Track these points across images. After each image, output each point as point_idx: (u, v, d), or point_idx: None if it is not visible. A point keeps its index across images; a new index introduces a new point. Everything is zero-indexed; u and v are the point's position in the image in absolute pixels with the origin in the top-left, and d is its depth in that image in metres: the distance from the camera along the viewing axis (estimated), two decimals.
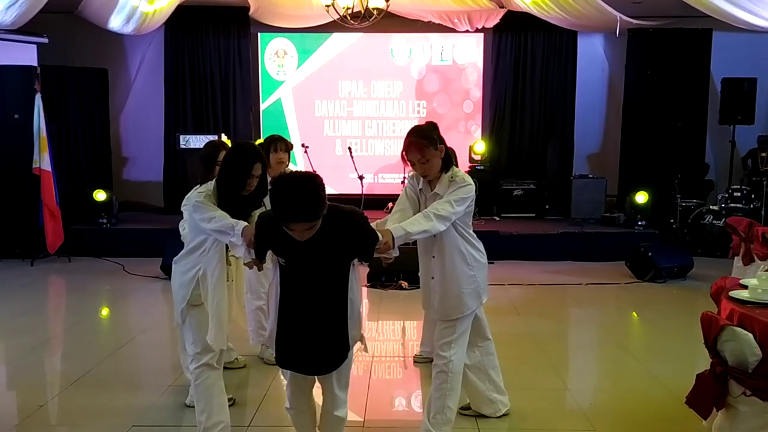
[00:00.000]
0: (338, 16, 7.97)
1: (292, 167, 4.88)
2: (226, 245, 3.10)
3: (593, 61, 10.22)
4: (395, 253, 2.90)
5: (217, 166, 3.42)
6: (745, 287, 2.85)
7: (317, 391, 2.96)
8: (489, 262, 3.45)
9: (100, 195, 8.65)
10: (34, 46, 8.79)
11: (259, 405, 3.93)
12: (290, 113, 10.27)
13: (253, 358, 4.63)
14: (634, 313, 6.31)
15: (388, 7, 7.99)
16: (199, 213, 3.03)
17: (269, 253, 2.85)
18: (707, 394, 2.64)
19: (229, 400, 3.54)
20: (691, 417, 2.80)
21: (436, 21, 9.62)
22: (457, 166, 3.31)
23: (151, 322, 5.83)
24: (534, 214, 9.63)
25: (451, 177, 3.19)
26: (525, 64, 10.15)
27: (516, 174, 10.03)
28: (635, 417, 3.78)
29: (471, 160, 9.86)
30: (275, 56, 10.23)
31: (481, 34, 10.10)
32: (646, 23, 9.00)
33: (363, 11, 7.80)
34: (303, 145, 8.57)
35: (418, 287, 3.48)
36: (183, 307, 3.24)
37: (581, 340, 5.69)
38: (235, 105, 10.13)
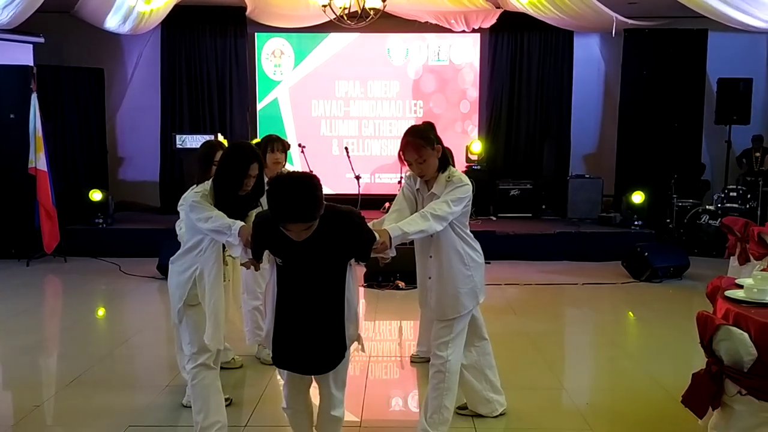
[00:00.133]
0: (335, 16, 7.96)
1: (288, 167, 4.88)
2: (223, 245, 3.10)
3: (589, 62, 10.24)
4: (392, 253, 2.90)
5: (213, 166, 3.42)
6: (741, 287, 2.86)
7: (314, 391, 2.96)
8: (486, 262, 3.46)
9: (96, 195, 8.64)
10: (30, 45, 8.78)
11: (256, 405, 3.92)
12: (287, 113, 10.27)
13: (249, 358, 4.63)
14: (630, 312, 6.33)
15: (384, 7, 7.99)
16: (196, 213, 3.03)
17: (266, 253, 2.85)
18: (703, 394, 2.65)
19: (226, 400, 3.54)
20: (687, 416, 2.81)
21: (433, 21, 9.62)
22: (453, 166, 3.31)
23: (147, 322, 5.82)
24: (530, 214, 9.64)
25: (448, 177, 3.19)
26: (521, 64, 10.16)
27: (513, 174, 10.04)
28: (631, 416, 3.79)
29: (468, 160, 9.87)
30: (272, 56, 10.23)
31: (478, 35, 10.10)
32: (641, 23, 9.02)
33: (360, 11, 7.79)
34: (300, 145, 8.57)
35: (415, 287, 3.48)
36: (180, 307, 3.23)
37: (578, 340, 5.70)
38: (232, 105, 10.12)
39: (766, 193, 8.72)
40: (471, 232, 3.35)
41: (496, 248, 7.70)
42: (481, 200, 9.14)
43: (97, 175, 9.47)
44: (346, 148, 9.16)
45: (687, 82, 9.49)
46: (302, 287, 2.71)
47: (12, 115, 8.06)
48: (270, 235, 2.65)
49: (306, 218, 2.48)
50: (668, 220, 8.82)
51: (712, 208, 8.44)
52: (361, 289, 6.67)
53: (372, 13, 7.88)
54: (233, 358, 4.52)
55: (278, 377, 3.88)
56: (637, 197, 8.68)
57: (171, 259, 3.35)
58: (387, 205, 8.38)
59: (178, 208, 3.96)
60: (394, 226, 2.94)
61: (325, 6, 7.72)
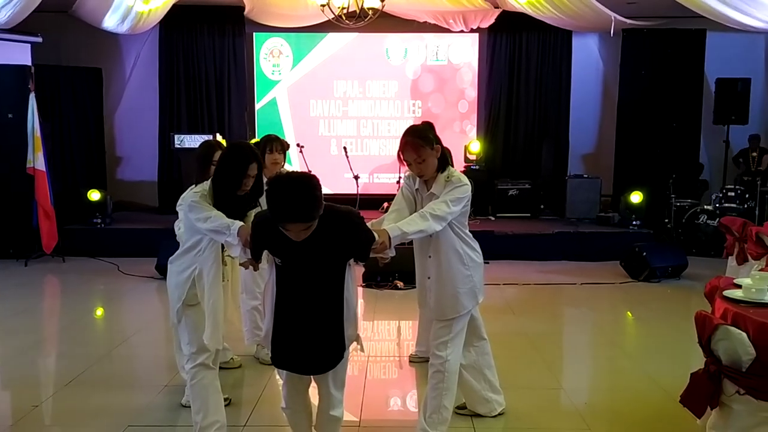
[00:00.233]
0: (333, 16, 7.97)
1: (287, 167, 4.89)
2: (222, 245, 3.10)
3: (588, 61, 10.25)
4: (391, 252, 2.90)
5: (212, 166, 3.42)
6: (739, 287, 2.87)
7: (313, 391, 2.96)
8: (484, 262, 3.46)
9: (94, 195, 8.63)
10: (28, 45, 8.76)
11: (255, 405, 3.93)
12: (285, 113, 10.26)
13: (248, 358, 4.63)
14: (628, 312, 6.33)
15: (383, 7, 8.00)
16: (195, 213, 3.03)
17: (265, 253, 2.85)
18: (701, 393, 2.65)
19: (225, 400, 3.54)
20: (686, 416, 2.81)
21: (432, 21, 9.62)
22: (452, 166, 3.32)
23: (146, 322, 5.81)
24: (529, 214, 9.65)
25: (448, 177, 3.19)
26: (520, 64, 10.16)
27: (511, 174, 10.04)
28: (630, 416, 3.80)
29: (466, 159, 9.88)
30: (270, 56, 10.22)
31: (476, 34, 10.11)
32: (640, 23, 9.03)
33: (358, 11, 7.80)
34: (298, 145, 8.56)
35: (414, 287, 3.48)
36: (179, 307, 3.23)
37: (576, 340, 5.71)
38: (230, 105, 10.11)
39: (764, 193, 8.74)
40: (470, 232, 3.35)
41: (494, 248, 7.71)
42: (480, 200, 9.14)
43: (95, 174, 9.45)
44: (345, 148, 9.15)
45: (685, 82, 9.50)
46: (301, 287, 2.71)
47: (10, 115, 8.04)
48: (269, 235, 2.65)
49: (305, 218, 2.48)
50: (666, 220, 8.84)
51: (710, 207, 8.46)
52: (360, 289, 6.67)
53: (370, 12, 7.88)
54: (232, 358, 4.52)
55: (277, 377, 3.88)
56: (636, 197, 8.69)
57: (170, 259, 3.34)
58: (385, 204, 8.39)
59: (177, 208, 3.95)
60: (394, 226, 2.95)
61: (323, 6, 7.73)
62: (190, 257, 3.21)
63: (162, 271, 6.55)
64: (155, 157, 9.94)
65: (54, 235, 7.89)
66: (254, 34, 10.13)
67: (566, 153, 10.10)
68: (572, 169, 10.05)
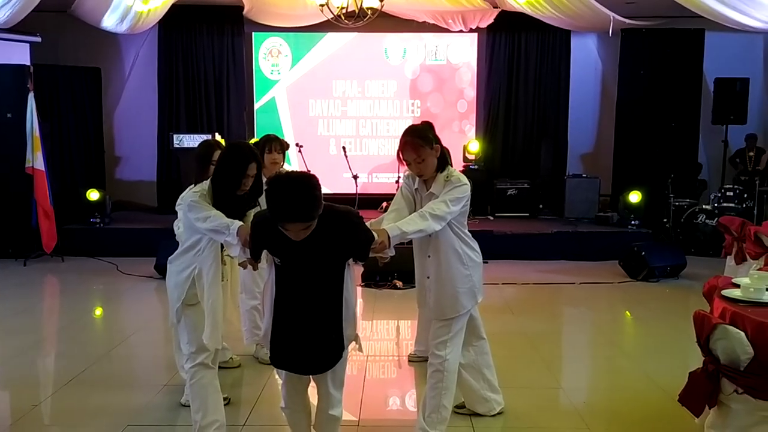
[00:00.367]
0: (332, 16, 7.97)
1: (286, 167, 4.89)
2: (222, 245, 3.10)
3: (587, 61, 10.26)
4: (391, 252, 2.91)
5: (211, 165, 3.43)
6: (738, 286, 2.87)
7: (312, 391, 2.97)
8: (483, 262, 3.46)
9: (93, 194, 8.63)
10: (27, 44, 8.77)
11: (254, 404, 3.93)
12: (284, 113, 10.26)
13: (247, 358, 4.63)
14: (627, 312, 6.34)
15: (382, 7, 8.00)
16: (194, 212, 3.04)
17: (264, 253, 2.86)
18: (699, 392, 2.66)
19: (224, 399, 3.55)
20: (684, 415, 2.82)
21: (430, 21, 9.63)
22: (451, 166, 3.32)
23: (145, 321, 5.81)
24: (528, 214, 9.66)
25: (447, 177, 3.20)
26: (519, 63, 10.17)
27: (510, 173, 10.05)
28: (628, 415, 3.80)
29: (465, 159, 9.88)
30: (269, 55, 10.22)
31: (475, 34, 10.11)
32: (639, 23, 9.04)
33: (357, 11, 7.80)
34: (297, 145, 8.56)
35: (413, 287, 3.49)
36: (178, 307, 3.23)
37: (575, 339, 5.71)
38: (229, 104, 10.11)
39: (762, 192, 8.76)
40: (469, 231, 3.36)
41: (493, 248, 7.71)
42: (479, 200, 9.14)
43: (94, 174, 9.45)
44: (344, 148, 9.16)
45: (684, 81, 9.50)
46: (300, 287, 2.71)
47: (9, 115, 8.04)
48: (268, 235, 2.66)
49: (304, 218, 2.49)
50: (665, 220, 8.84)
51: (708, 207, 8.47)
52: (359, 289, 6.68)
53: (369, 12, 7.89)
54: (231, 358, 4.53)
55: (276, 377, 3.89)
56: (634, 197, 8.70)
57: (169, 258, 3.35)
58: (384, 204, 8.39)
59: (176, 208, 3.96)
60: (393, 225, 2.95)
61: (322, 5, 7.74)
62: (189, 257, 3.21)
63: (161, 270, 6.55)
64: (154, 156, 9.94)
65: (54, 235, 7.89)
66: (253, 33, 10.13)
67: (565, 153, 10.11)
68: (571, 168, 10.06)
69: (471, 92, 10.27)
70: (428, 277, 3.29)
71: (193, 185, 3.30)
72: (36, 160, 7.75)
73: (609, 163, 9.83)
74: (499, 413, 3.73)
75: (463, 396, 3.72)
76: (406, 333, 5.51)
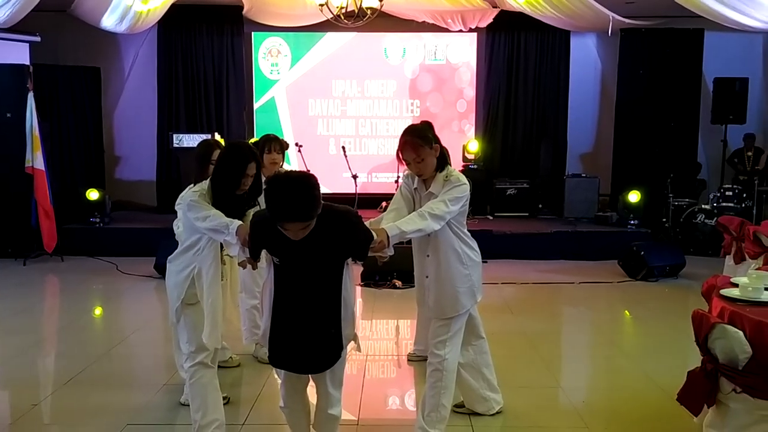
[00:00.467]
0: (332, 16, 7.98)
1: (286, 167, 4.89)
2: (221, 244, 3.11)
3: (586, 61, 10.27)
4: (390, 251, 2.91)
5: (211, 165, 3.44)
6: (736, 285, 2.88)
7: (311, 390, 2.97)
8: (483, 261, 3.47)
9: (92, 194, 8.63)
10: (27, 44, 8.77)
11: (254, 403, 3.93)
12: (284, 112, 10.27)
13: (247, 357, 4.64)
14: (626, 311, 6.35)
15: (381, 6, 8.01)
16: (194, 212, 3.04)
17: (264, 252, 2.86)
18: (698, 392, 2.67)
19: (224, 398, 3.55)
20: (683, 414, 2.82)
21: (430, 21, 9.64)
22: (450, 166, 3.33)
23: (144, 321, 5.82)
24: (527, 214, 9.66)
25: (446, 176, 3.20)
26: (518, 63, 10.18)
27: (509, 173, 10.06)
28: (627, 414, 3.81)
29: (464, 159, 9.89)
30: (269, 55, 10.23)
31: (475, 34, 10.12)
32: (638, 23, 9.04)
33: (357, 11, 7.81)
34: (297, 144, 8.57)
35: (412, 286, 3.50)
36: (178, 306, 3.24)
37: (574, 339, 5.72)
38: (229, 104, 10.12)
39: (761, 192, 8.77)
40: (468, 231, 3.36)
41: (492, 247, 7.73)
42: (478, 199, 9.15)
43: (93, 174, 9.46)
44: (343, 148, 9.16)
45: (683, 81, 9.51)
46: (299, 286, 2.72)
47: (8, 114, 8.04)
48: (267, 234, 2.66)
49: (303, 217, 2.49)
50: (664, 219, 8.85)
51: (708, 207, 8.47)
52: (358, 288, 6.68)
53: (369, 12, 7.90)
54: (231, 357, 4.53)
55: (276, 376, 3.89)
56: (634, 196, 8.71)
57: (169, 258, 3.35)
58: (384, 204, 8.40)
59: (176, 207, 3.97)
60: (392, 225, 2.96)
61: (322, 5, 7.74)
62: (188, 256, 3.21)
63: (161, 270, 6.55)
64: (154, 156, 9.95)
65: (54, 235, 7.90)
66: (253, 33, 10.14)
67: (564, 152, 10.12)
68: (570, 168, 10.07)
69: (470, 92, 10.28)
70: (427, 277, 3.30)
71: (192, 185, 3.30)
72: (36, 159, 7.76)
73: (608, 163, 9.84)
74: (498, 412, 3.73)
75: (462, 395, 3.72)
76: (406, 332, 5.52)
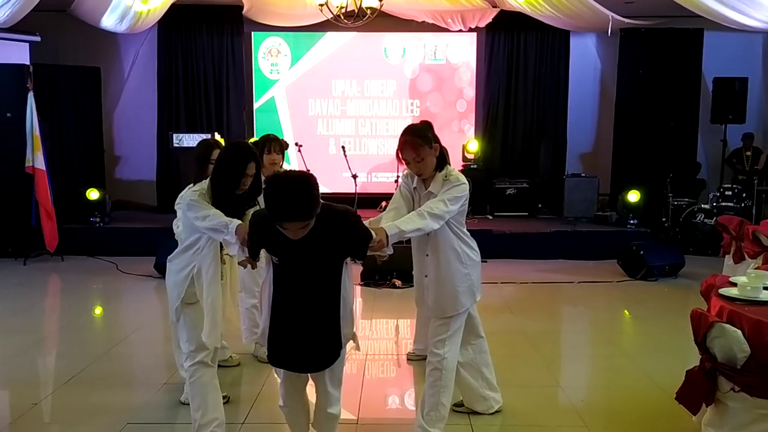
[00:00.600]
0: (332, 16, 7.98)
1: (286, 166, 4.89)
2: (221, 243, 3.11)
3: (586, 61, 10.27)
4: (389, 251, 2.92)
5: (210, 164, 3.44)
6: (735, 285, 2.89)
7: (310, 389, 2.98)
8: (482, 261, 3.47)
9: (92, 194, 8.63)
10: (27, 44, 8.78)
11: (253, 403, 3.94)
12: (284, 112, 10.27)
13: (247, 357, 4.64)
14: (625, 311, 6.35)
15: (381, 6, 8.01)
16: (194, 211, 3.05)
17: (263, 252, 2.87)
18: (697, 390, 2.68)
19: (224, 397, 3.56)
20: (682, 413, 2.83)
21: (430, 20, 9.64)
22: (449, 165, 3.33)
23: (144, 320, 5.83)
24: (527, 213, 9.66)
25: (446, 176, 3.21)
26: (518, 63, 10.18)
27: (509, 173, 10.06)
28: (626, 413, 3.81)
29: (464, 159, 9.89)
30: (269, 55, 10.23)
31: (474, 34, 10.12)
32: (638, 23, 9.05)
33: (356, 10, 7.81)
34: (296, 144, 8.58)
35: (412, 286, 3.51)
36: (177, 306, 3.24)
37: (573, 338, 5.73)
38: (229, 104, 10.12)
39: (761, 192, 8.77)
40: (468, 230, 3.37)
41: (492, 247, 7.74)
42: (478, 199, 9.16)
43: (93, 174, 9.46)
44: (343, 147, 9.16)
45: (683, 81, 9.52)
46: (298, 285, 2.72)
47: (8, 114, 8.05)
48: (266, 234, 2.67)
49: (302, 217, 2.50)
50: (664, 219, 8.85)
51: (707, 206, 8.48)
52: (358, 288, 6.69)
53: (369, 12, 7.90)
54: (231, 356, 4.54)
55: (275, 375, 3.89)
56: (633, 196, 8.71)
57: (168, 257, 3.36)
58: (384, 203, 8.40)
59: (176, 207, 3.97)
60: (391, 224, 2.97)
61: (322, 5, 7.74)
62: (188, 256, 3.22)
63: (161, 269, 6.56)
64: (154, 156, 9.95)
65: (56, 234, 7.90)
66: (253, 33, 10.14)
67: (564, 152, 10.12)
68: (570, 168, 10.07)
69: (470, 92, 10.28)
70: (426, 276, 3.30)
71: (192, 184, 3.31)
72: (36, 159, 7.76)
73: (608, 163, 9.85)
74: (497, 411, 3.74)
75: (461, 394, 3.73)
76: (405, 332, 5.52)
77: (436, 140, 3.21)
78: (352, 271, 2.88)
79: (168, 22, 9.55)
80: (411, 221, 3.02)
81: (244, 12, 9.55)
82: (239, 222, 2.94)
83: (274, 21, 9.70)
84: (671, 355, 4.84)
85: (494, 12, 9.58)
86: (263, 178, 3.11)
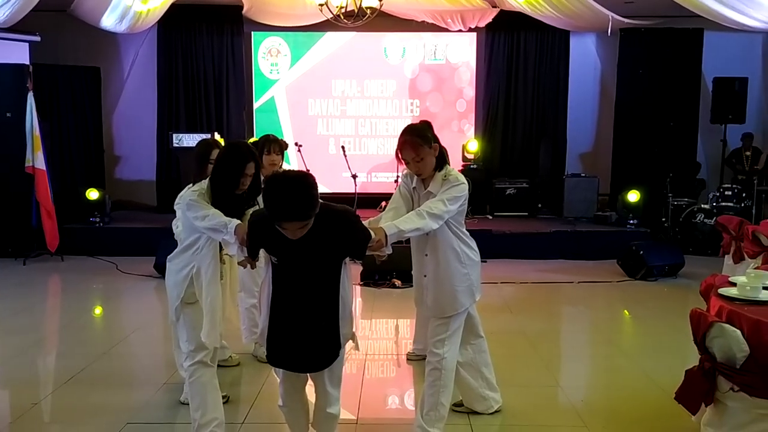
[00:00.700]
0: (332, 15, 7.99)
1: (285, 166, 4.89)
2: (220, 243, 3.11)
3: (586, 61, 10.27)
4: (388, 250, 2.92)
5: (209, 164, 3.44)
6: (734, 284, 2.89)
7: (310, 389, 2.98)
8: (482, 261, 3.48)
9: (92, 194, 8.64)
10: (27, 44, 8.78)
11: (253, 402, 3.94)
12: (283, 112, 10.27)
13: (246, 356, 4.64)
14: (625, 311, 6.35)
15: (381, 6, 8.01)
16: (193, 211, 3.05)
17: (262, 252, 2.87)
18: (696, 390, 2.68)
19: (223, 397, 3.56)
20: (681, 413, 2.83)
21: (430, 20, 9.64)
22: (449, 165, 3.33)
23: (144, 320, 5.83)
24: (526, 213, 9.66)
25: (445, 176, 3.21)
26: (518, 63, 10.18)
27: (509, 173, 10.06)
28: (626, 413, 3.81)
29: (464, 159, 9.89)
30: (268, 55, 10.23)
31: (474, 34, 10.12)
32: (637, 23, 9.05)
33: (356, 10, 7.81)
34: (296, 144, 8.58)
35: (411, 286, 3.50)
36: (177, 305, 3.25)
37: (573, 338, 5.73)
38: (228, 104, 10.12)
39: (760, 192, 8.77)
40: (467, 230, 3.37)
41: (492, 247, 7.74)
42: (477, 199, 9.16)
43: (93, 174, 9.46)
44: (343, 147, 9.17)
45: (683, 81, 9.52)
46: (297, 285, 2.72)
47: (8, 114, 8.04)
48: (265, 234, 2.67)
49: (301, 217, 2.50)
50: (663, 219, 8.85)
51: (707, 206, 8.48)
52: (358, 288, 6.69)
53: (369, 12, 7.90)
54: (230, 356, 4.54)
55: (275, 375, 3.89)
56: (633, 196, 8.71)
57: (168, 257, 3.36)
58: (384, 203, 8.38)
59: (175, 207, 3.98)
60: (390, 224, 2.97)
61: (321, 5, 7.75)
62: (188, 255, 3.22)
63: (160, 269, 6.56)
64: (153, 156, 9.95)
65: (57, 234, 7.90)
66: (252, 33, 10.15)
67: (564, 152, 10.12)
68: (570, 168, 10.07)
69: (470, 92, 10.28)
70: (425, 276, 3.30)
71: (191, 184, 3.31)
72: (37, 159, 7.76)
73: (608, 163, 9.85)
74: (497, 411, 3.74)
75: (461, 394, 3.73)
76: (405, 332, 5.53)
77: (436, 140, 3.21)
78: (352, 271, 2.88)
79: (168, 22, 9.55)
80: (410, 221, 3.02)
81: (244, 12, 9.55)
82: (238, 222, 2.94)
83: (274, 21, 9.70)
84: (671, 355, 4.84)
85: (494, 12, 9.58)
86: (262, 178, 3.12)
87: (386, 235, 2.88)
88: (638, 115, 9.53)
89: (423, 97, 10.25)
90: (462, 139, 10.07)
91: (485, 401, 3.72)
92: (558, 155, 10.06)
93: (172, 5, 8.96)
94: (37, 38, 8.85)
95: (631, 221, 8.67)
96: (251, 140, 5.66)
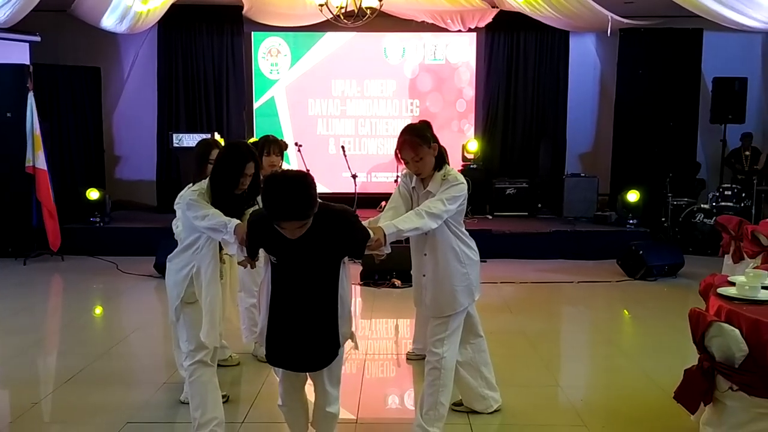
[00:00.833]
0: (332, 16, 7.99)
1: (285, 166, 4.89)
2: (220, 243, 3.12)
3: (585, 61, 10.27)
4: (387, 250, 2.93)
5: (209, 164, 3.45)
6: (733, 284, 2.89)
7: (309, 388, 2.98)
8: (482, 261, 3.48)
9: (93, 194, 8.64)
10: (27, 44, 8.78)
11: (253, 402, 3.95)
12: (283, 112, 10.28)
13: (246, 356, 4.65)
14: (625, 310, 6.36)
15: (381, 6, 8.02)
16: (193, 211, 3.05)
17: (261, 251, 2.88)
18: (695, 390, 2.68)
19: (223, 397, 3.57)
20: (680, 412, 2.84)
21: (429, 21, 9.65)
22: (448, 165, 3.34)
23: (144, 320, 5.83)
24: (526, 213, 9.66)
25: (444, 175, 3.22)
26: (517, 63, 10.19)
27: (508, 173, 10.06)
28: (625, 413, 3.82)
29: (464, 159, 9.89)
30: (268, 55, 10.24)
31: (474, 34, 10.13)
32: (637, 23, 9.05)
33: (356, 10, 7.82)
34: (296, 144, 8.59)
35: (411, 285, 3.50)
36: (177, 305, 3.25)
37: (573, 338, 5.73)
38: (228, 104, 10.13)
39: (760, 191, 8.78)
40: (466, 230, 3.37)
41: (492, 247, 7.74)
42: (477, 199, 9.17)
43: (94, 174, 9.47)
44: (343, 147, 9.18)
45: (682, 81, 9.53)
46: (296, 285, 2.73)
47: (8, 114, 8.05)
48: (264, 233, 2.68)
49: (300, 216, 2.51)
50: (663, 219, 8.86)
51: (706, 206, 8.48)
52: (358, 288, 6.70)
53: (368, 12, 7.91)
54: (230, 356, 4.54)
55: (274, 374, 3.90)
56: (633, 196, 8.72)
57: (168, 257, 3.37)
58: (383, 203, 8.37)
59: (175, 207, 3.98)
60: (389, 223, 2.97)
61: (321, 5, 7.75)
62: (188, 255, 3.23)
63: (160, 269, 6.56)
64: (154, 156, 9.96)
65: (58, 234, 7.90)
66: (252, 33, 10.15)
67: (564, 152, 10.13)
68: (569, 168, 10.08)
69: (470, 92, 10.29)
70: (424, 275, 3.31)
71: (191, 184, 3.31)
72: (37, 159, 7.77)
73: (607, 163, 9.86)
74: (496, 411, 3.75)
75: (460, 393, 3.73)
76: (405, 331, 5.53)
77: (435, 140, 3.22)
78: (351, 270, 2.88)
79: (168, 22, 9.56)
80: (409, 220, 3.02)
81: (244, 12, 9.56)
82: (238, 221, 2.95)
83: (274, 21, 9.70)
84: (670, 354, 4.84)
85: (494, 12, 9.58)
86: (262, 178, 3.12)
87: (385, 235, 2.88)
88: (638, 115, 9.53)
89: (423, 97, 10.25)
90: (462, 139, 10.07)
91: (484, 400, 3.72)
92: (558, 155, 10.07)
93: (172, 5, 8.96)
94: (38, 38, 8.85)
95: (631, 221, 8.68)
96: (251, 140, 5.66)
